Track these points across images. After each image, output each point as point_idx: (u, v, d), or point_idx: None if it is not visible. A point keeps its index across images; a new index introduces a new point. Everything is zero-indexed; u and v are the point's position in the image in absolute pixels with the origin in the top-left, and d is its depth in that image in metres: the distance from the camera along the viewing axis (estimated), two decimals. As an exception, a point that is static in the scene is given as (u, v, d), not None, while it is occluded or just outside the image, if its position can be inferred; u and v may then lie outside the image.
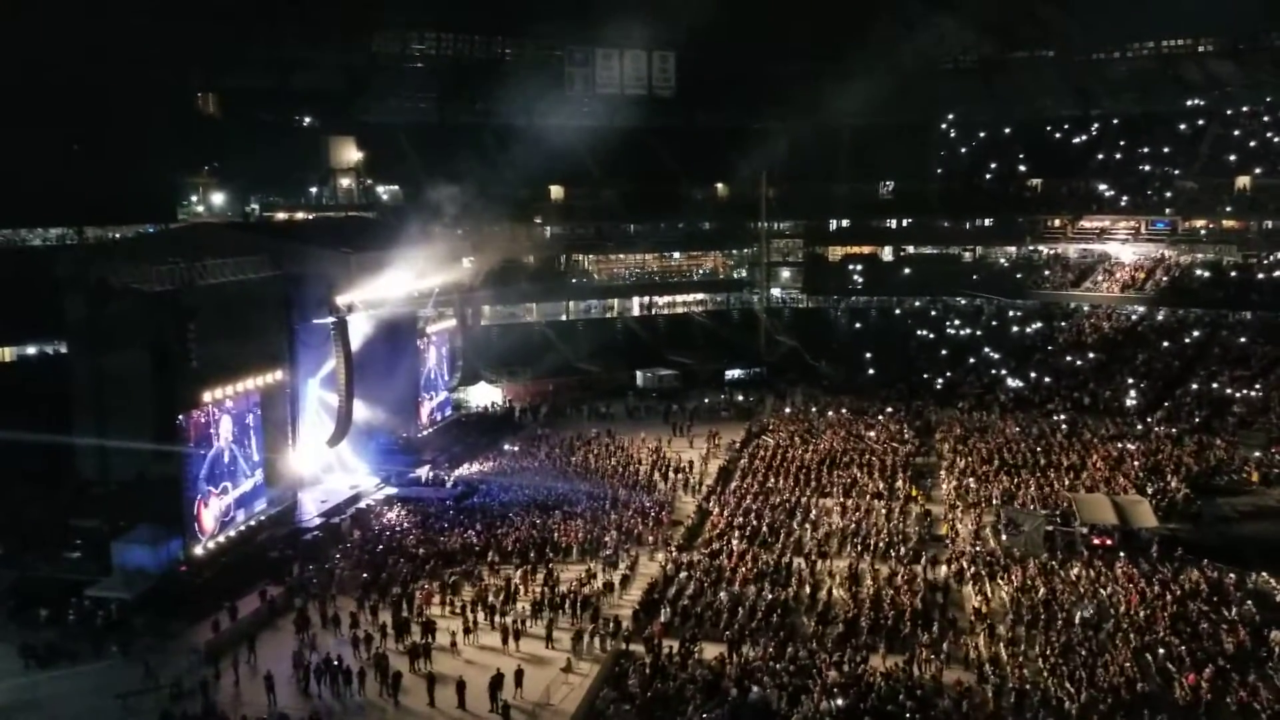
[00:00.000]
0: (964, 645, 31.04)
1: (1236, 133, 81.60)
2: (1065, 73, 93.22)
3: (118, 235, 62.33)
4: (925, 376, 67.23)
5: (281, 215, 73.09)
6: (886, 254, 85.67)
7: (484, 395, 65.61)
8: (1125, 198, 79.81)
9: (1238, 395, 58.48)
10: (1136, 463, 48.84)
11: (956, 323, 75.09)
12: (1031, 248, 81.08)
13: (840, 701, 26.90)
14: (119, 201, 62.23)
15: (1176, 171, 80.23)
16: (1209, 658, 29.37)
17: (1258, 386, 58.75)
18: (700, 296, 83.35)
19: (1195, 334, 66.75)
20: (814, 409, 62.24)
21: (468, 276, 63.48)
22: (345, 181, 77.65)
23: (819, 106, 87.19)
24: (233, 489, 39.14)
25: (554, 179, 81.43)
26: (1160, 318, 70.48)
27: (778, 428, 57.65)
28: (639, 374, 70.40)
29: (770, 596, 34.12)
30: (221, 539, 37.89)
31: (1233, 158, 79.30)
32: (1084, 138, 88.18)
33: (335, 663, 29.90)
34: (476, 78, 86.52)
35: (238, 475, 39.54)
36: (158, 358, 36.68)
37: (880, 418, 59.21)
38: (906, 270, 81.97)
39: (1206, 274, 72.20)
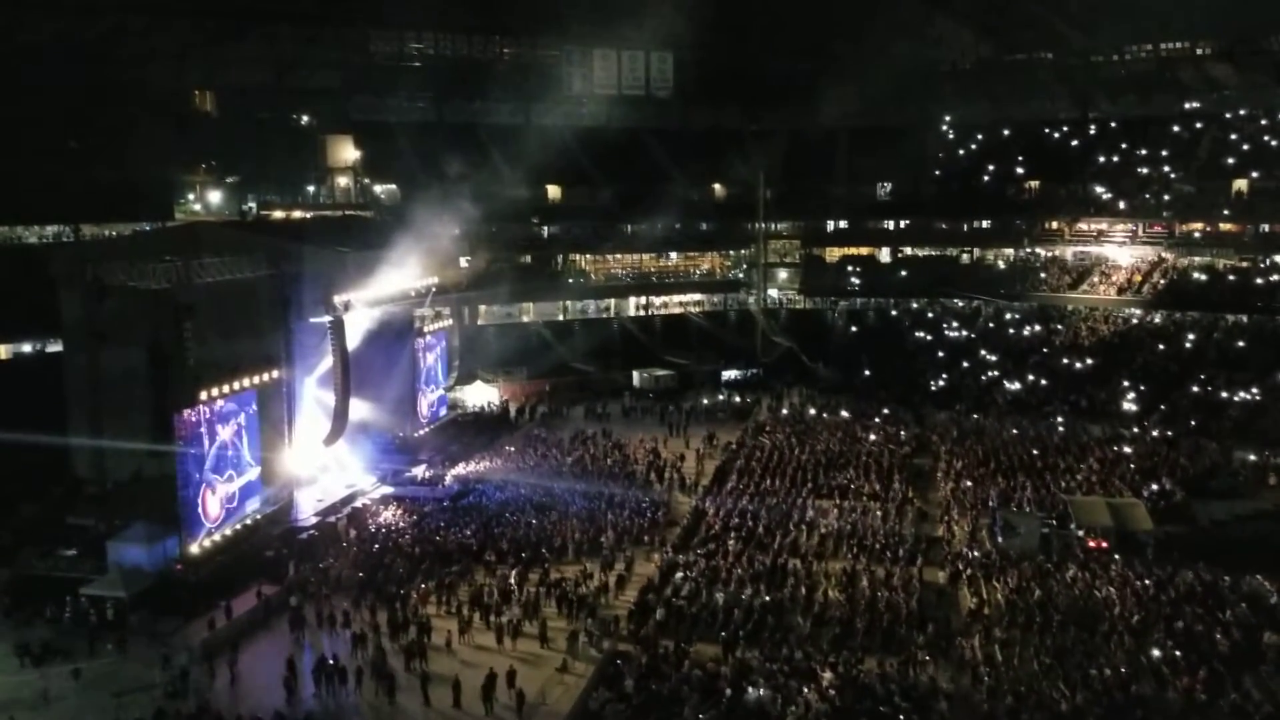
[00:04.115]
0: (959, 647, 31.03)
1: (1234, 136, 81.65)
2: (1063, 75, 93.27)
3: (114, 233, 62.26)
4: (922, 378, 67.11)
5: (279, 214, 73.05)
6: (884, 255, 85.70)
7: (480, 395, 65.54)
8: (1123, 201, 79.86)
9: (1234, 399, 58.51)
10: (1132, 465, 48.88)
11: (954, 324, 74.96)
12: (1029, 250, 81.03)
13: (836, 702, 26.91)
14: (116, 199, 62.31)
15: (1174, 174, 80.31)
16: (1203, 660, 29.36)
17: (1254, 390, 58.79)
18: (697, 297, 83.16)
19: (1192, 337, 66.66)
20: (810, 410, 62.21)
21: (464, 276, 63.41)
22: (342, 180, 77.67)
23: (817, 108, 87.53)
24: (238, 477, 39.35)
25: (551, 179, 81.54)
26: (1157, 321, 70.48)
27: (774, 429, 57.61)
28: (636, 374, 70.26)
29: (766, 597, 34.09)
30: (217, 537, 37.79)
31: (1230, 161, 79.34)
32: (1081, 140, 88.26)
33: (331, 662, 29.88)
34: (474, 77, 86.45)
35: (242, 467, 39.79)
36: (154, 356, 36.61)
37: (877, 419, 59.20)
38: (904, 272, 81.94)
39: (1203, 277, 72.21)
